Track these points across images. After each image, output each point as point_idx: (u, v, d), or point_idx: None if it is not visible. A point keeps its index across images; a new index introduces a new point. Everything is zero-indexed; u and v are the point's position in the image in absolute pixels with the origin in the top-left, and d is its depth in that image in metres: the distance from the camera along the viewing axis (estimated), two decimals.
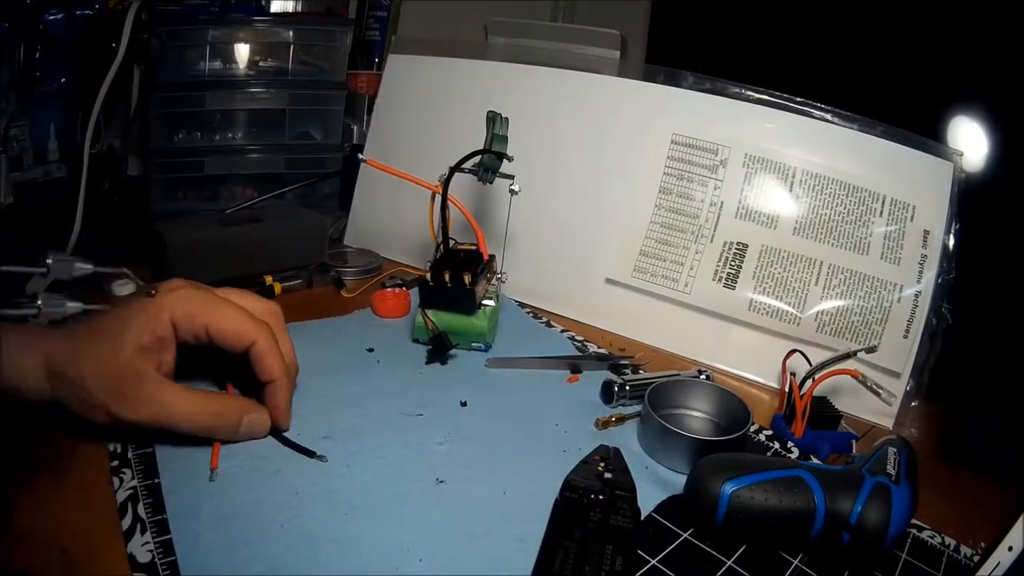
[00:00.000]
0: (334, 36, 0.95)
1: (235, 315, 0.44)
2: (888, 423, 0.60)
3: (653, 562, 0.40)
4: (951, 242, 0.63)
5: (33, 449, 0.44)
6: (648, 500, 0.45)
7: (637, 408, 0.54)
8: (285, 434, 0.47)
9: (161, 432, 0.43)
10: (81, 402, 0.40)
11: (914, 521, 0.45)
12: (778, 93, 0.70)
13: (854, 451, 0.53)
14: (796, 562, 0.42)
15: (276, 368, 0.45)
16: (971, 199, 0.63)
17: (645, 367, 0.64)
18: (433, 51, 0.86)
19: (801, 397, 0.55)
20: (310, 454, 0.45)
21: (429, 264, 0.61)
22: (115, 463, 0.43)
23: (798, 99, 0.69)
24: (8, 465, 0.41)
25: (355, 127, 1.03)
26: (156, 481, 0.42)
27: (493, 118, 0.63)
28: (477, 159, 0.62)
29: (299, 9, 1.03)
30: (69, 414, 0.41)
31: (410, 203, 0.70)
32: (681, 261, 0.70)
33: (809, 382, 0.56)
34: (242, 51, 0.90)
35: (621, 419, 0.54)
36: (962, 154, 0.64)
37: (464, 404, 0.55)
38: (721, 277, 0.68)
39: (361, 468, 0.45)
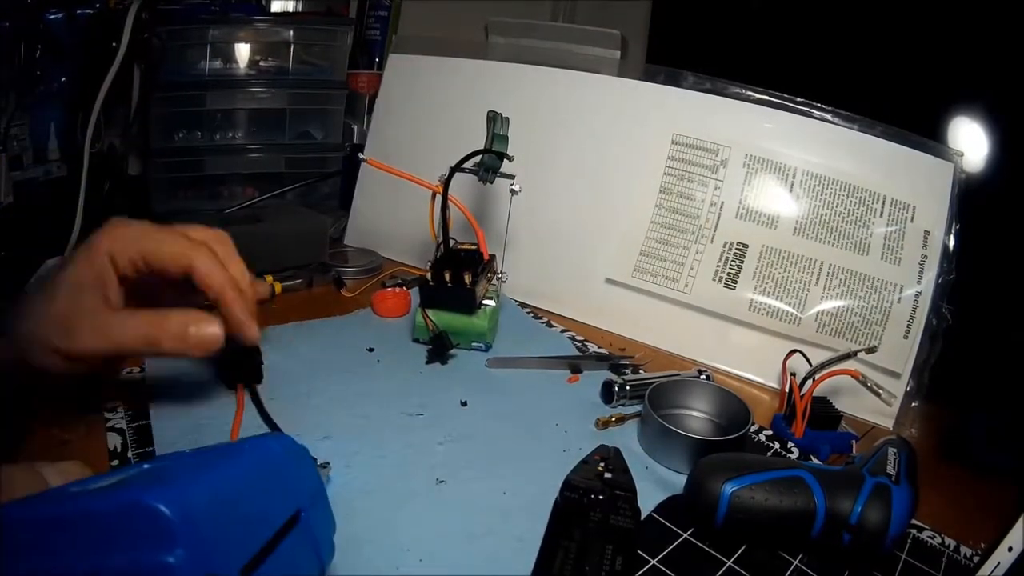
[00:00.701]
0: (334, 36, 0.96)
1: (169, 239, 0.43)
2: (888, 423, 0.60)
3: (653, 562, 0.40)
4: (951, 242, 0.63)
5: (31, 448, 0.44)
6: (648, 500, 0.45)
7: (637, 408, 0.54)
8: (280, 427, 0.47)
9: (116, 358, 0.43)
10: (42, 352, 0.40)
11: (914, 521, 0.45)
12: (778, 93, 0.70)
13: (854, 451, 0.53)
14: (796, 562, 0.42)
15: (218, 282, 0.43)
16: (971, 199, 0.63)
17: (645, 367, 0.64)
18: (433, 51, 0.86)
19: (801, 397, 0.55)
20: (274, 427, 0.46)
21: (429, 264, 0.61)
22: (115, 463, 0.43)
23: (798, 99, 0.69)
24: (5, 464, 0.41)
25: (355, 127, 1.03)
26: None
27: (493, 118, 0.63)
28: (477, 159, 0.62)
29: (299, 9, 1.03)
30: (35, 373, 0.41)
31: (410, 203, 0.70)
32: (681, 261, 0.70)
33: (809, 382, 0.56)
34: (242, 51, 0.90)
35: (621, 419, 0.54)
36: (962, 154, 0.64)
37: (464, 404, 0.55)
38: (721, 277, 0.68)
39: (361, 468, 0.45)
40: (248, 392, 0.51)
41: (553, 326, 0.72)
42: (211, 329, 0.42)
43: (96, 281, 0.41)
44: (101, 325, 0.41)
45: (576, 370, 0.62)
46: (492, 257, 0.65)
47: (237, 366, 0.52)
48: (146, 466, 0.28)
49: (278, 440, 0.33)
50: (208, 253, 0.43)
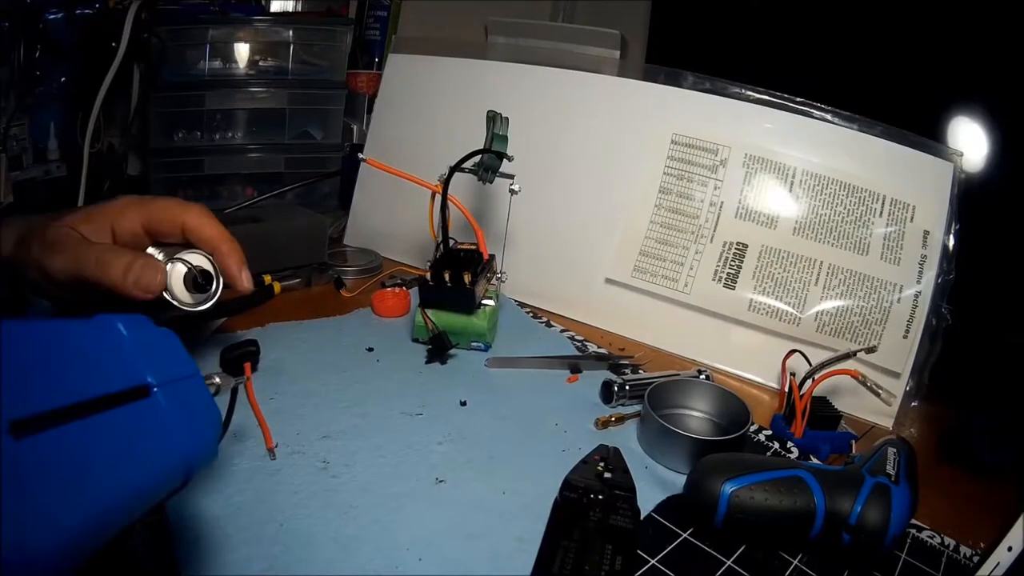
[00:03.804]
0: (334, 36, 0.96)
1: (165, 203, 0.45)
2: (888, 423, 0.60)
3: (653, 562, 0.40)
4: (951, 242, 0.63)
5: None
6: (648, 500, 0.45)
7: (637, 408, 0.54)
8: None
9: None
10: (30, 262, 0.42)
11: (914, 521, 0.45)
12: (778, 93, 0.70)
13: (854, 451, 0.53)
14: (796, 562, 0.42)
15: (210, 233, 0.45)
16: (971, 199, 0.63)
17: (645, 367, 0.64)
18: (433, 51, 0.86)
19: (801, 397, 0.55)
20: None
21: (429, 264, 0.61)
22: None
23: (798, 99, 0.69)
24: None
25: (355, 127, 1.03)
26: None
27: (493, 118, 0.63)
28: (477, 159, 0.62)
29: (299, 9, 1.03)
30: (15, 276, 0.43)
31: (410, 203, 0.70)
32: (681, 261, 0.70)
33: (809, 382, 0.56)
34: (242, 51, 0.90)
35: (621, 419, 0.54)
36: (962, 154, 0.64)
37: (464, 404, 0.55)
38: (721, 277, 0.68)
39: (361, 468, 0.45)
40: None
41: (553, 326, 0.72)
42: (151, 273, 0.42)
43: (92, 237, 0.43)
44: (76, 249, 0.42)
45: (576, 370, 0.62)
46: (492, 257, 0.65)
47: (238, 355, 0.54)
48: None
49: (122, 317, 0.29)
50: (198, 210, 0.45)
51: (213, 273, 0.45)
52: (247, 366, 0.54)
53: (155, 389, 0.27)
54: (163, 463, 0.27)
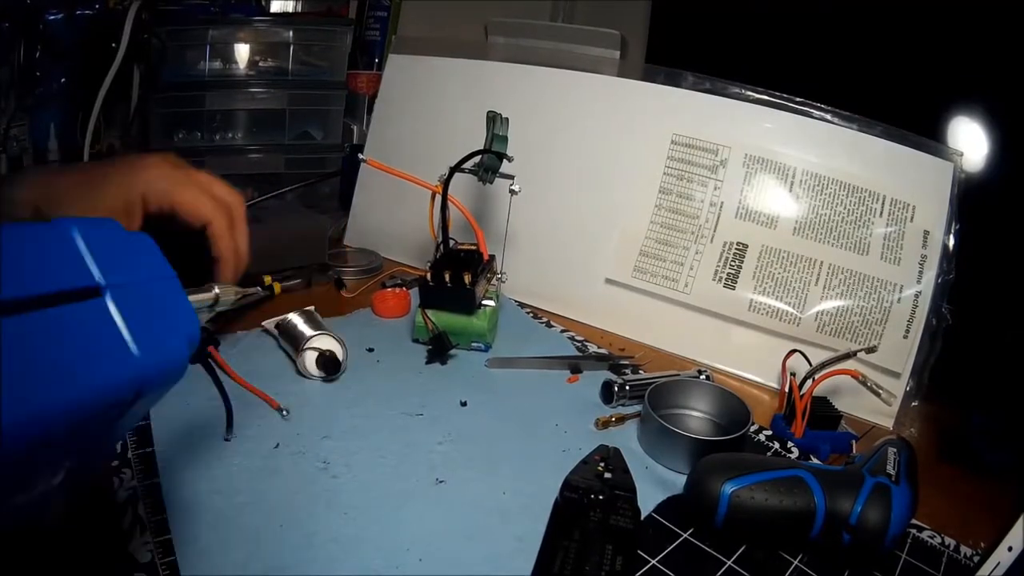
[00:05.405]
0: (334, 36, 0.96)
1: (198, 197, 0.48)
2: (888, 423, 0.60)
3: (653, 562, 0.40)
4: (951, 242, 0.63)
5: None
6: (648, 500, 0.45)
7: (637, 408, 0.54)
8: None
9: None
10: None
11: (914, 521, 0.45)
12: (778, 93, 0.70)
13: (854, 451, 0.53)
14: (796, 562, 0.42)
15: (225, 248, 0.49)
16: (971, 199, 0.63)
17: (645, 367, 0.64)
18: (433, 51, 0.86)
19: (801, 397, 0.55)
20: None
21: (429, 264, 0.61)
22: (115, 463, 0.43)
23: (798, 99, 0.69)
24: None
25: (355, 127, 1.03)
26: (156, 481, 0.42)
27: (493, 118, 0.63)
28: (477, 159, 0.62)
29: (299, 9, 1.04)
30: None
31: (410, 203, 0.70)
32: (681, 261, 0.70)
33: (809, 382, 0.56)
34: (242, 51, 0.90)
35: (621, 419, 0.54)
36: (962, 154, 0.64)
37: (464, 404, 0.55)
38: (721, 277, 0.68)
39: (361, 468, 0.45)
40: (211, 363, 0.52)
41: (553, 326, 0.72)
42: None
43: (124, 210, 0.45)
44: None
45: (576, 370, 0.62)
46: (492, 257, 0.65)
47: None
48: None
49: (81, 220, 0.27)
50: (224, 216, 0.48)
51: (340, 359, 0.55)
52: (212, 349, 0.54)
53: (107, 290, 0.26)
54: (112, 367, 0.25)
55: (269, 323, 0.62)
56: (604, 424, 0.54)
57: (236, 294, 0.44)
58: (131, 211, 0.45)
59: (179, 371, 0.28)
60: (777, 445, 0.55)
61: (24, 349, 0.23)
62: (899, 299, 0.62)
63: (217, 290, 0.41)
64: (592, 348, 0.67)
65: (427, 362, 0.61)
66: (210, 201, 0.48)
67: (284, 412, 0.50)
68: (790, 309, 0.65)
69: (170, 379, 0.28)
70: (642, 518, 0.43)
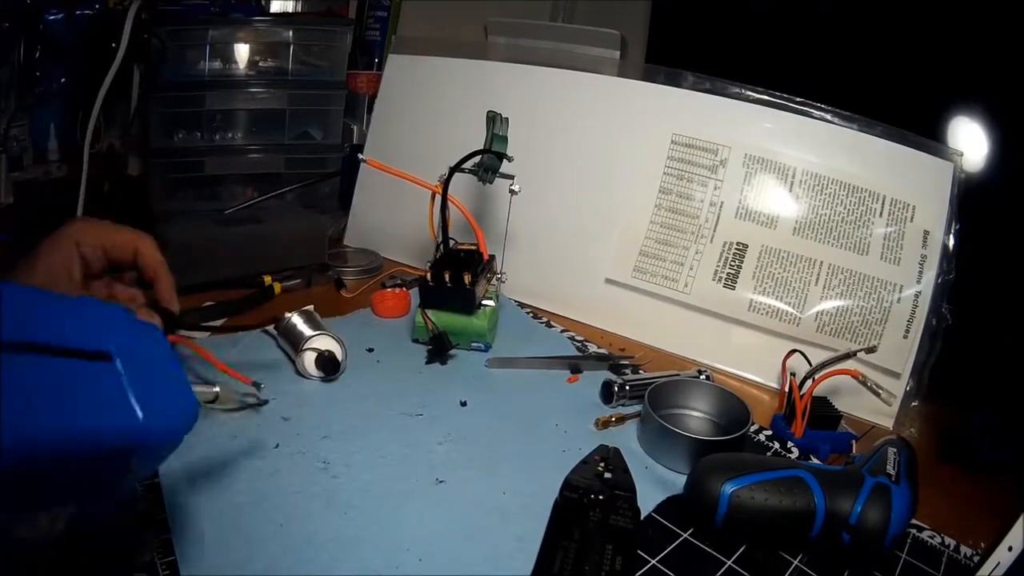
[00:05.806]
0: (334, 36, 0.95)
1: (121, 230, 0.49)
2: (888, 423, 0.60)
3: (653, 562, 0.40)
4: (951, 242, 0.63)
5: None
6: (648, 500, 0.45)
7: (637, 408, 0.54)
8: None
9: None
10: None
11: (914, 521, 0.45)
12: (778, 93, 0.70)
13: (854, 451, 0.53)
14: (796, 562, 0.42)
15: (157, 260, 0.49)
16: (971, 199, 0.63)
17: (645, 367, 0.64)
18: (433, 51, 0.86)
19: (801, 397, 0.55)
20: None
21: (429, 264, 0.61)
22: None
23: (798, 99, 0.69)
24: None
25: (355, 127, 1.03)
26: (156, 481, 0.42)
27: (493, 118, 0.63)
28: (477, 159, 0.62)
29: (299, 9, 1.03)
30: None
31: (410, 203, 0.70)
32: (681, 261, 0.70)
33: (809, 382, 0.56)
34: (242, 51, 0.90)
35: (621, 419, 0.54)
36: (962, 154, 0.64)
37: (464, 404, 0.55)
38: (721, 277, 0.68)
39: (361, 468, 0.45)
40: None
41: (553, 326, 0.72)
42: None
43: (64, 263, 0.46)
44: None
45: (576, 370, 0.62)
46: (492, 257, 0.65)
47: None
48: None
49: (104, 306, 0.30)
50: (151, 241, 0.50)
51: (339, 359, 0.56)
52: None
53: (117, 357, 0.27)
54: (111, 418, 0.27)
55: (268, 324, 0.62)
56: (604, 424, 0.54)
57: (234, 403, 0.49)
58: (69, 262, 0.46)
59: (175, 440, 0.30)
60: (777, 445, 0.55)
61: (32, 383, 0.24)
62: (899, 299, 0.62)
63: (217, 388, 0.46)
64: (592, 348, 0.67)
65: (427, 362, 0.61)
66: (135, 232, 0.50)
67: (260, 387, 0.50)
68: (790, 309, 0.65)
69: (165, 444, 0.30)
70: (642, 518, 0.43)
